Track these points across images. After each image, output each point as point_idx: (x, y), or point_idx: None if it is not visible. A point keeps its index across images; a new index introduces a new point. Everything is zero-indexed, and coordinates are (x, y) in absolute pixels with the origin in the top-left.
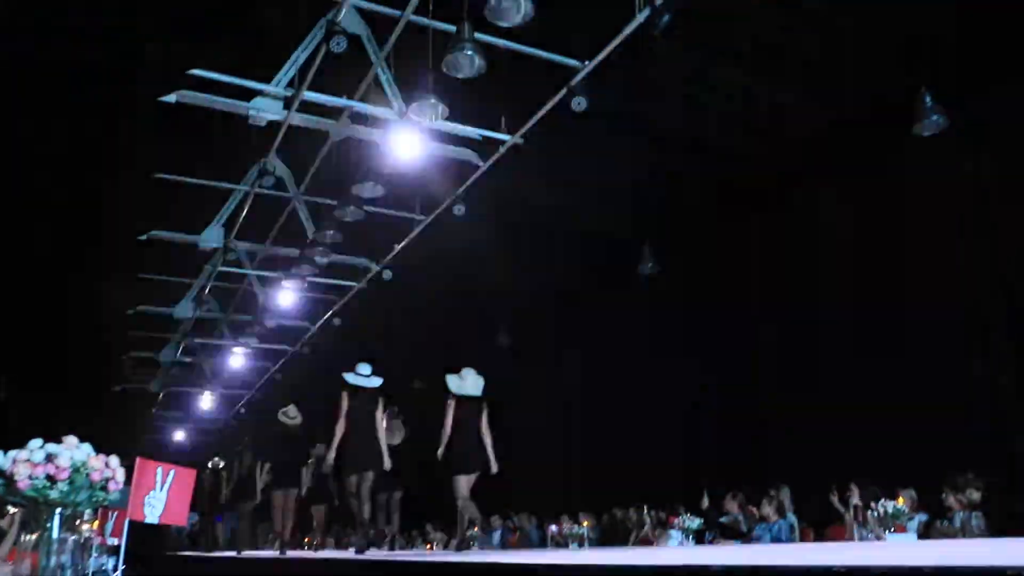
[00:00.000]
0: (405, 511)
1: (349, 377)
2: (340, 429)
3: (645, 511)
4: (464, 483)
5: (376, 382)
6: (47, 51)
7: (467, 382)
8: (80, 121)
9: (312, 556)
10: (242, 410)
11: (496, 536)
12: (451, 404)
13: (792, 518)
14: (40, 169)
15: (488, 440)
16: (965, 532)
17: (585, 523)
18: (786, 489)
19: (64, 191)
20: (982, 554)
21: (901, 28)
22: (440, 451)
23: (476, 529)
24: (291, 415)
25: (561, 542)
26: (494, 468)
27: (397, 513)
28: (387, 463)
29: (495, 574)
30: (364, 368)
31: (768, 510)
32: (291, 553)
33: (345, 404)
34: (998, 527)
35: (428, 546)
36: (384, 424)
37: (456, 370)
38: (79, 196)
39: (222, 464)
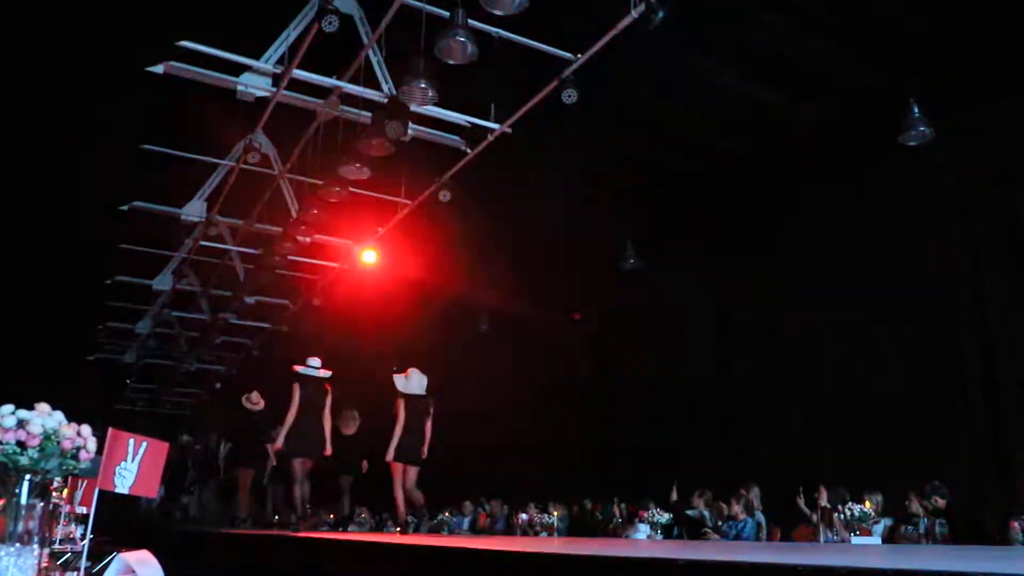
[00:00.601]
0: (378, 495)
1: (300, 369)
2: (291, 416)
3: (615, 504)
4: (412, 472)
5: (325, 374)
6: (34, 16)
7: (412, 381)
8: (63, 88)
9: (285, 534)
10: (217, 384)
11: (466, 522)
12: (400, 402)
13: (760, 517)
14: (19, 135)
15: (428, 434)
16: (929, 538)
17: (555, 512)
18: (756, 489)
19: (44, 158)
20: (943, 559)
21: (893, 36)
22: (393, 444)
23: (421, 514)
24: (253, 400)
25: (529, 530)
26: (424, 457)
27: (347, 495)
28: (328, 449)
29: (468, 559)
30: (314, 361)
31: (736, 508)
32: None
33: (296, 393)
34: (961, 535)
35: (398, 528)
36: (330, 412)
37: (403, 371)
38: (60, 164)
39: (186, 439)
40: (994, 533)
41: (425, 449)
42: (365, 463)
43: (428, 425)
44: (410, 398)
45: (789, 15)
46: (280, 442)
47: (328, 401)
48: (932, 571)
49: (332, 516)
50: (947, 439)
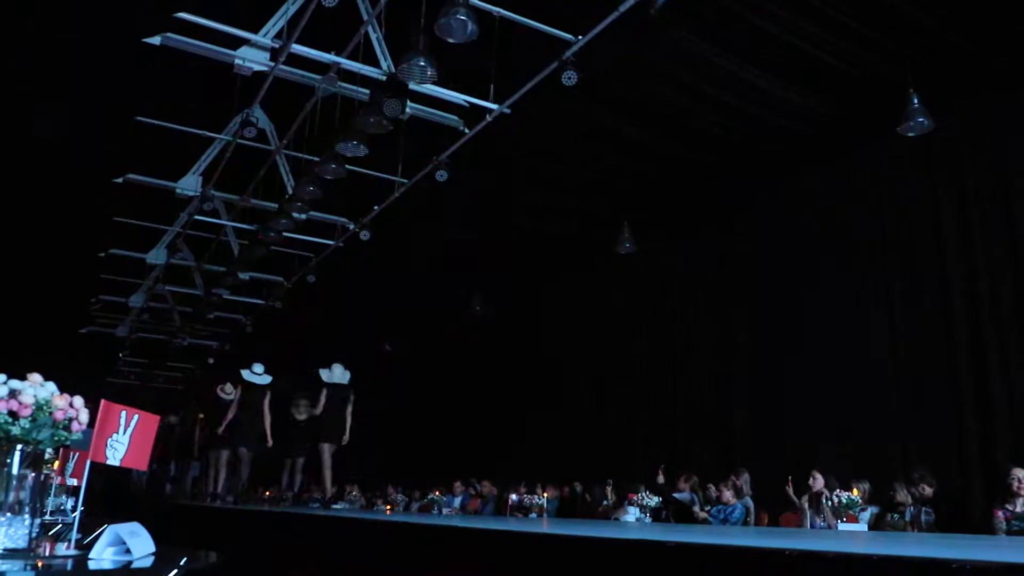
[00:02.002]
0: (369, 473)
1: (245, 374)
2: (230, 413)
3: (609, 487)
4: (327, 450)
5: (266, 379)
6: None
7: (335, 374)
8: (56, 55)
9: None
10: (211, 360)
11: (456, 501)
12: (324, 391)
13: (749, 502)
14: (10, 106)
15: (348, 419)
16: (915, 526)
17: (545, 494)
18: (746, 475)
19: (39, 126)
20: (930, 546)
21: (893, 24)
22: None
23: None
24: (227, 391)
25: (518, 512)
26: (346, 440)
27: (300, 474)
28: (269, 441)
29: (454, 536)
30: (258, 368)
31: (727, 493)
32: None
33: (239, 394)
34: (947, 524)
35: (388, 507)
36: (268, 411)
37: (328, 365)
38: (52, 132)
39: (174, 420)
40: (979, 522)
41: (346, 434)
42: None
43: (348, 412)
44: (331, 387)
45: (790, 2)
46: (220, 432)
47: (266, 401)
48: (917, 557)
49: (321, 495)
50: (934, 428)
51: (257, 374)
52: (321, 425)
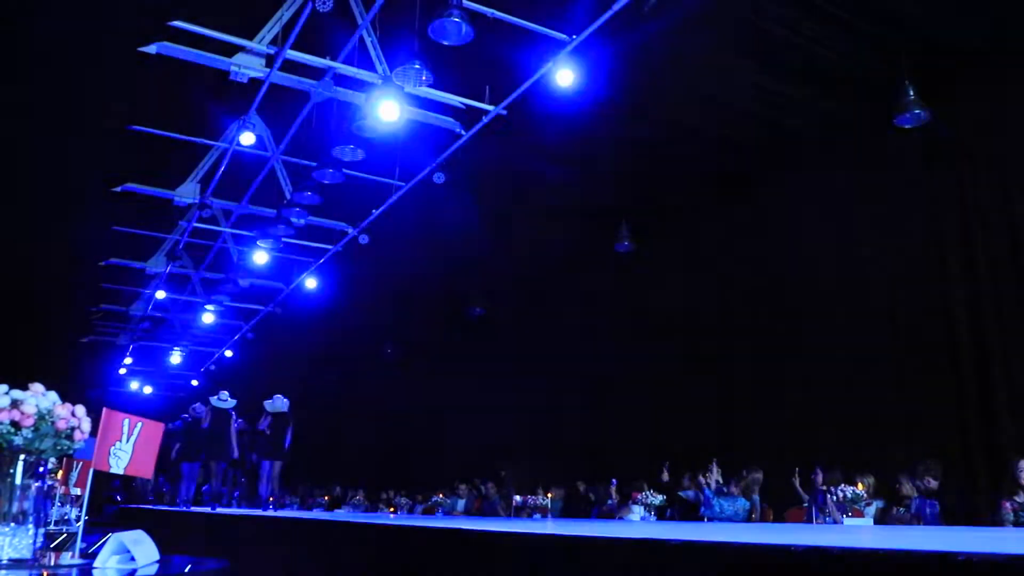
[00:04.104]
0: (374, 477)
1: (212, 399)
2: (203, 431)
3: (612, 486)
4: (276, 467)
5: (231, 404)
6: None
7: (277, 403)
8: (54, 68)
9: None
10: (212, 367)
11: (461, 504)
12: (267, 417)
13: (755, 498)
14: (8, 116)
15: (288, 439)
16: (920, 520)
17: (549, 495)
18: (759, 475)
19: (37, 140)
20: (936, 539)
21: (887, 19)
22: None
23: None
24: (197, 410)
25: (522, 512)
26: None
27: (278, 480)
28: (235, 454)
29: (458, 539)
30: (224, 394)
31: (735, 490)
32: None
33: (208, 418)
34: (952, 517)
35: (392, 509)
36: (234, 431)
37: (269, 396)
38: (51, 146)
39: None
40: (985, 513)
41: (286, 451)
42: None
43: (288, 433)
44: (275, 415)
45: None
46: (196, 451)
47: (232, 422)
48: (924, 551)
49: (326, 497)
50: (938, 421)
51: (223, 400)
52: (267, 445)
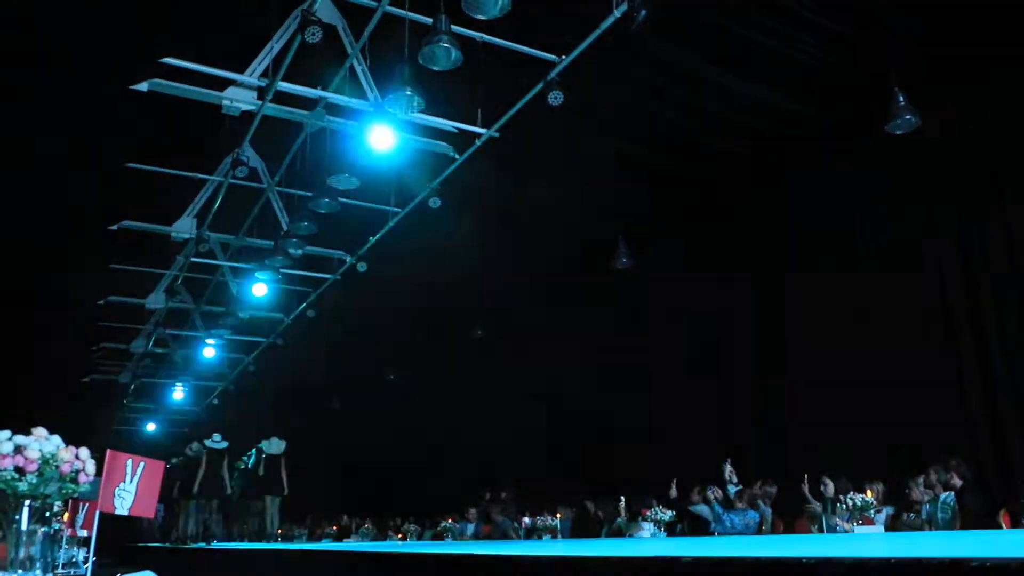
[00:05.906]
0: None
1: (207, 442)
2: (200, 472)
3: (622, 503)
4: (271, 501)
5: (224, 445)
6: (16, 37)
7: (272, 445)
8: (48, 108)
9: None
10: (215, 401)
11: (470, 528)
12: (263, 457)
13: (765, 510)
14: (4, 157)
15: (284, 478)
16: (931, 525)
17: (558, 515)
18: (773, 489)
19: (33, 181)
20: (948, 545)
21: (875, 25)
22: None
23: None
24: (193, 448)
25: (532, 534)
26: (285, 492)
27: (277, 514)
28: (229, 490)
29: (468, 563)
30: (217, 436)
31: (741, 505)
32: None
33: (204, 458)
34: (962, 521)
35: (400, 536)
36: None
37: (267, 437)
38: (48, 186)
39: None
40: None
41: (284, 487)
42: None
43: (283, 473)
44: (270, 455)
45: (770, 9)
46: (193, 490)
47: (225, 463)
48: (936, 558)
49: (335, 527)
50: (946, 427)
51: (216, 441)
52: (264, 483)
